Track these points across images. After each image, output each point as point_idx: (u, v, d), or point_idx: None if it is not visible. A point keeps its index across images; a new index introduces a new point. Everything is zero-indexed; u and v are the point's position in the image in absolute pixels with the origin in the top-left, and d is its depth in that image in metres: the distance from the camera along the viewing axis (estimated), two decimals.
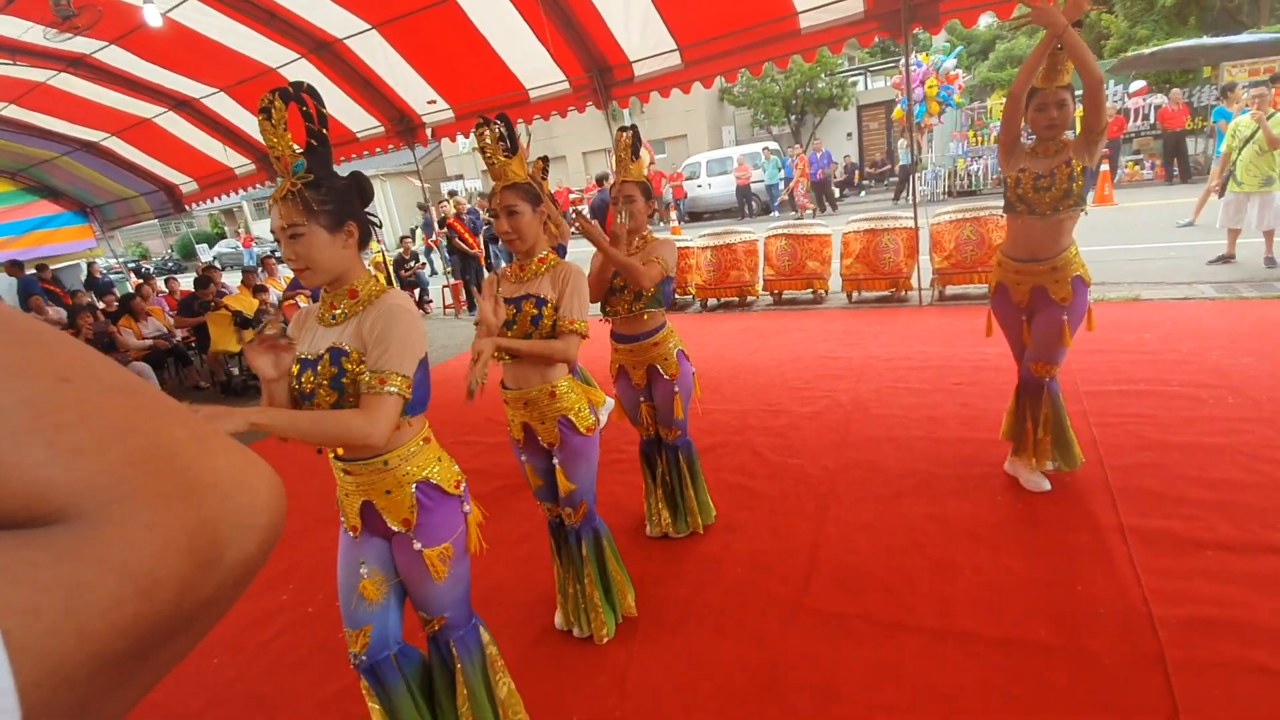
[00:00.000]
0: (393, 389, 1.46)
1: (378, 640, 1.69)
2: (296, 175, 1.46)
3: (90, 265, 11.75)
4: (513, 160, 2.04)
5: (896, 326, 5.74)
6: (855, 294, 6.79)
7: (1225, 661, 1.93)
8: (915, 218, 6.45)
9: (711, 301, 7.54)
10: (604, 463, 3.57)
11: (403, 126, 8.15)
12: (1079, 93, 2.58)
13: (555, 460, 2.19)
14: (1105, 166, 11.30)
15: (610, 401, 4.43)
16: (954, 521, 2.81)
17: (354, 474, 1.60)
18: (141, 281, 9.58)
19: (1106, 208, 10.57)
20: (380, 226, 1.84)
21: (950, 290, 6.38)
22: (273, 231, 1.50)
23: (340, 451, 1.60)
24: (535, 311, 2.05)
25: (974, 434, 3.51)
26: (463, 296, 9.68)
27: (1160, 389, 3.71)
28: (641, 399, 2.82)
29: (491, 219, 2.06)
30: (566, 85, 6.87)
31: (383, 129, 8.27)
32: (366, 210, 1.62)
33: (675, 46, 6.18)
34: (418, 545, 1.63)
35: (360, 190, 1.58)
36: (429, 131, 8.14)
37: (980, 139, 13.94)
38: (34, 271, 10.04)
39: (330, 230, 1.49)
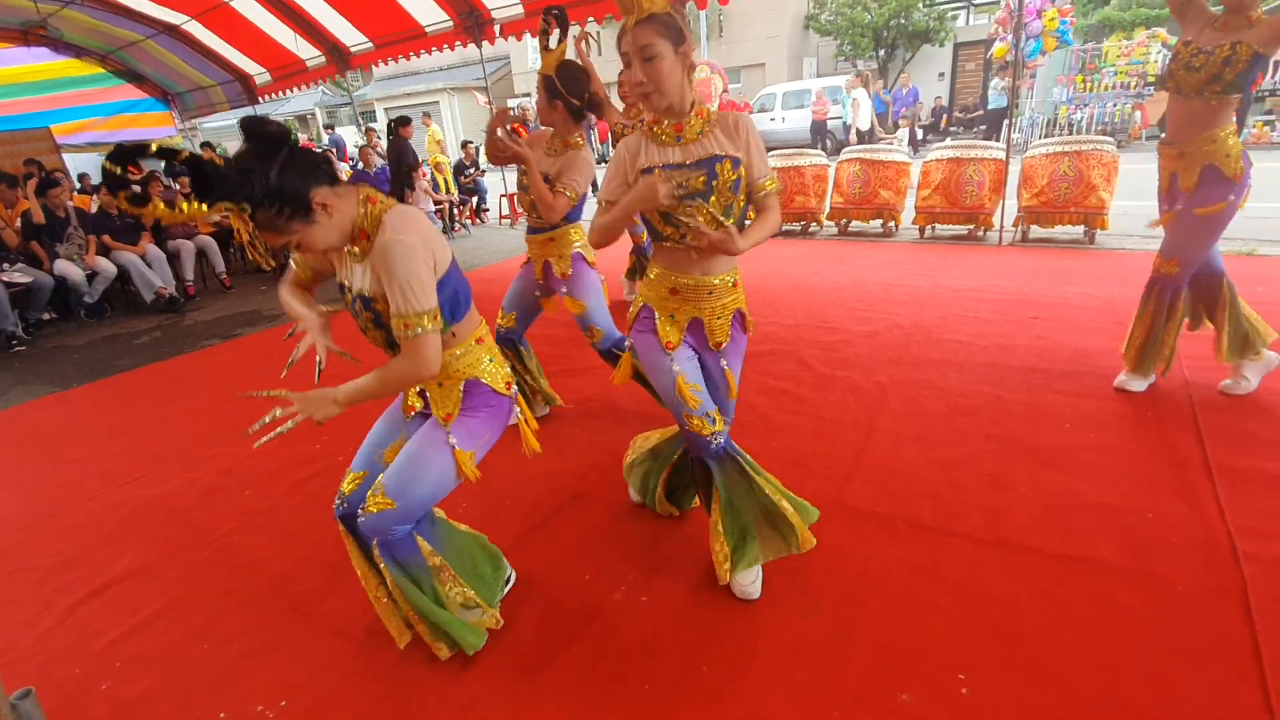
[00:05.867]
0: (420, 329, 1.39)
1: (363, 491, 1.65)
2: None
3: None
4: None
5: (971, 261, 5.34)
6: (929, 229, 6.34)
7: None
8: (1007, 151, 5.92)
9: None
10: None
11: (472, 21, 7.89)
12: None
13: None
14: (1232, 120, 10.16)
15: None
16: (1017, 443, 2.59)
17: None
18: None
19: None
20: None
21: (1036, 232, 5.88)
22: None
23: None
24: (735, 175, 1.64)
25: (1048, 365, 3.23)
26: (519, 207, 9.57)
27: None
28: (537, 293, 2.87)
29: (623, 67, 1.73)
30: None
31: (451, 24, 8.03)
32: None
33: None
34: (453, 440, 1.58)
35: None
36: (497, 29, 7.86)
37: (1090, 85, 12.67)
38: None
39: (278, 230, 1.34)
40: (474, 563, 1.83)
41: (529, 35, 7.73)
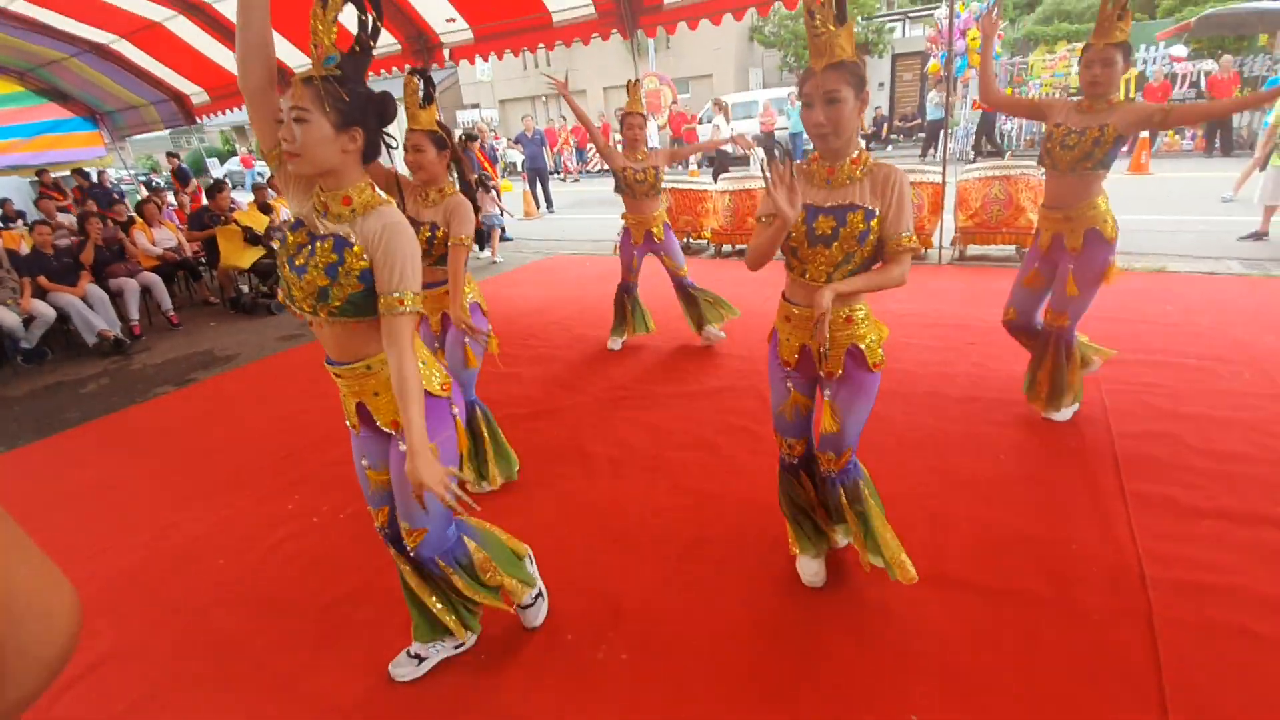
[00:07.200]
0: (411, 308, 1.51)
1: (394, 520, 1.83)
2: (326, 66, 1.46)
3: (100, 174, 11.60)
4: (842, 31, 1.66)
5: (912, 283, 5.61)
6: None
7: (1212, 623, 1.96)
8: (944, 173, 6.26)
9: (726, 248, 7.41)
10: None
11: (420, 45, 7.87)
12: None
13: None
14: (1145, 134, 10.90)
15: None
16: (956, 476, 2.81)
17: (344, 378, 1.65)
18: (150, 194, 9.47)
19: (1141, 176, 10.26)
20: (394, 148, 1.82)
21: (972, 250, 6.25)
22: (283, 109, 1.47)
23: (331, 355, 1.66)
24: (864, 226, 1.73)
25: (984, 394, 3.49)
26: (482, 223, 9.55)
27: (1176, 360, 3.66)
28: (437, 345, 2.87)
29: (803, 106, 1.76)
30: (592, 10, 6.58)
31: (399, 47, 7.99)
32: (384, 130, 1.61)
33: None
34: (403, 446, 1.61)
35: (381, 107, 1.56)
36: (446, 52, 7.86)
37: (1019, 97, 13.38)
38: (35, 177, 9.94)
39: (335, 128, 1.47)
40: (504, 553, 2.01)
41: (479, 58, 7.78)
